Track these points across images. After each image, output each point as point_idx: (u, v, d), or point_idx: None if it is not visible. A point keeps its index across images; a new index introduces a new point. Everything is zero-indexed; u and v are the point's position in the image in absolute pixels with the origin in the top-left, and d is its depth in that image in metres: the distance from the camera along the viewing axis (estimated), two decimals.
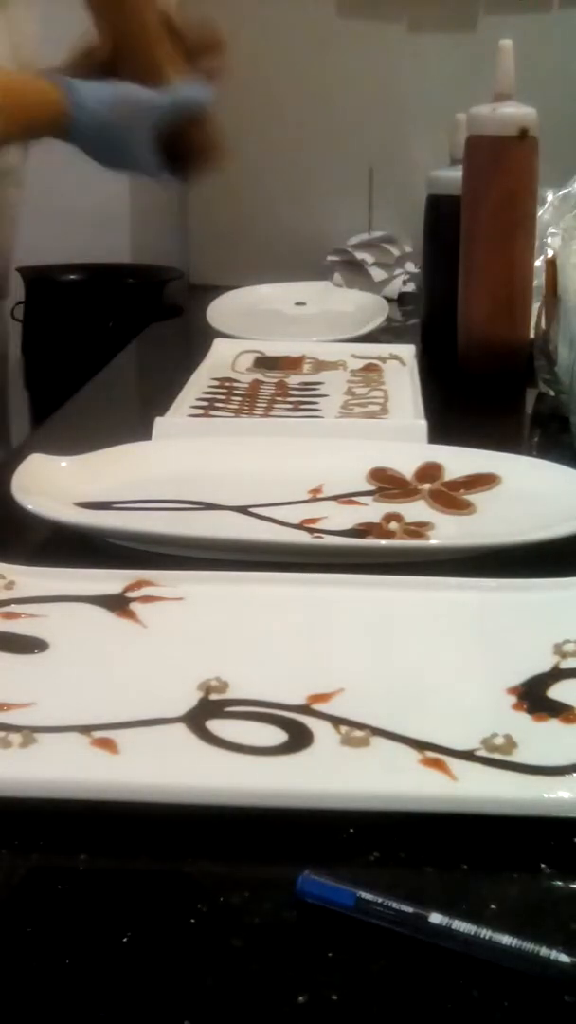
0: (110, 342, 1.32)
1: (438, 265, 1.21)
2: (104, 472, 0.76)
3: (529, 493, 0.73)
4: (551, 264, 0.97)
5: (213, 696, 0.49)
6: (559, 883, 0.39)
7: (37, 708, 0.48)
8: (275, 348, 1.17)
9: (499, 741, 0.45)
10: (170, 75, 1.07)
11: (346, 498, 0.75)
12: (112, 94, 1.04)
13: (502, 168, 1.05)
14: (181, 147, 1.08)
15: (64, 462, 0.76)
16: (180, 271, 1.71)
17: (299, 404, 0.99)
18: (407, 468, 0.78)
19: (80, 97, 1.02)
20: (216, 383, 1.05)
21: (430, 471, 0.78)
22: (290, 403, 0.99)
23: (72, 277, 1.72)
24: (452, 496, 0.74)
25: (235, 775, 0.43)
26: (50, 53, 1.10)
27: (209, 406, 0.97)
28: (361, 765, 0.44)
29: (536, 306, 1.05)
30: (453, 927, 0.36)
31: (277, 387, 1.03)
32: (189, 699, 0.49)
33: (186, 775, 0.43)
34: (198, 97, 1.08)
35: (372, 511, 0.73)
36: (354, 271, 1.56)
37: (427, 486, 0.76)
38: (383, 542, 0.68)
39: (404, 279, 1.56)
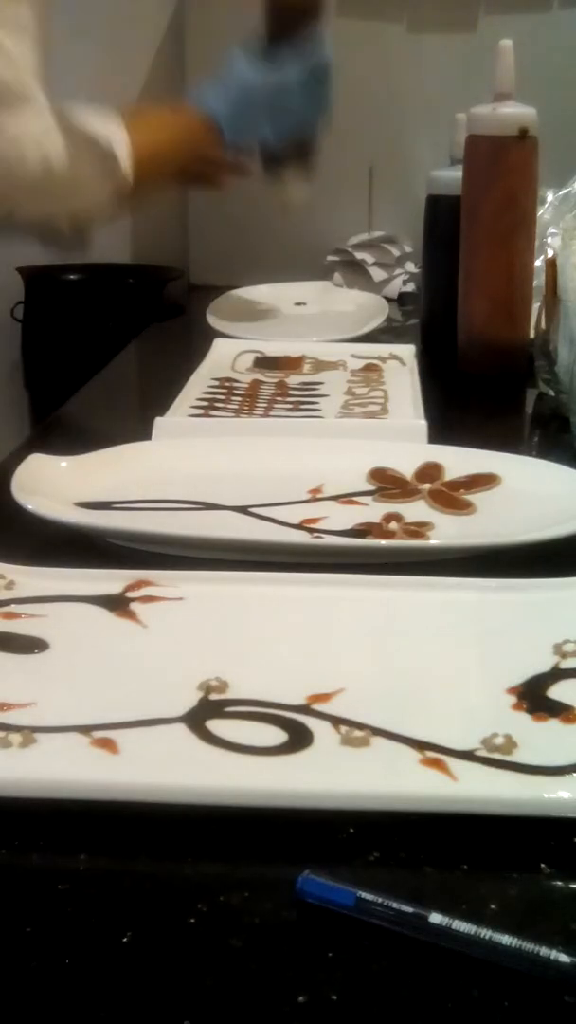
0: (110, 342, 1.32)
1: (438, 265, 1.21)
2: (104, 472, 0.76)
3: (529, 493, 0.73)
4: (551, 264, 0.97)
5: (213, 696, 0.49)
6: (559, 883, 0.39)
7: (37, 708, 0.48)
8: (275, 348, 1.17)
9: (499, 741, 0.45)
10: None
11: (346, 498, 0.75)
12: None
13: (502, 168, 1.05)
14: None
15: (64, 462, 0.76)
16: (180, 271, 1.71)
17: (299, 404, 0.99)
18: (407, 468, 0.78)
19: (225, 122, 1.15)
20: (216, 383, 1.05)
21: (430, 471, 0.78)
22: (290, 403, 0.99)
23: (72, 277, 1.72)
24: (452, 496, 0.74)
25: (235, 775, 0.43)
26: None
27: (209, 406, 0.97)
28: (361, 765, 0.44)
29: (536, 306, 1.05)
30: (453, 927, 0.36)
31: (277, 387, 1.03)
32: (189, 699, 0.49)
33: (186, 775, 0.43)
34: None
35: (372, 511, 0.73)
36: (354, 271, 1.56)
37: (427, 486, 0.76)
38: (383, 542, 0.68)
39: (404, 279, 1.56)
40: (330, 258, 1.58)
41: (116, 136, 1.04)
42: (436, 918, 0.36)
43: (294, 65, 1.19)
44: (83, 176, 1.02)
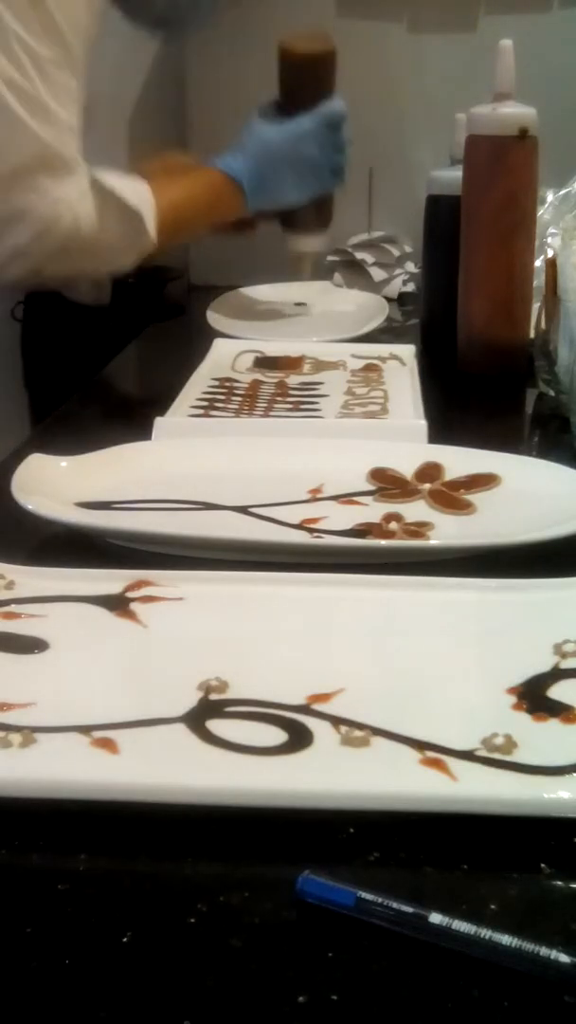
0: (110, 342, 1.32)
1: (438, 265, 1.21)
2: (104, 472, 0.76)
3: (529, 493, 0.73)
4: (551, 264, 0.97)
5: (213, 696, 0.49)
6: (559, 883, 0.39)
7: (37, 708, 0.48)
8: (275, 348, 1.17)
9: (499, 741, 0.45)
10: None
11: (346, 498, 0.75)
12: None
13: (502, 168, 1.05)
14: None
15: (64, 462, 0.76)
16: (180, 271, 1.71)
17: (299, 404, 0.99)
18: (407, 468, 0.78)
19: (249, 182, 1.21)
20: (216, 383, 1.05)
21: (430, 471, 0.78)
22: (290, 403, 0.99)
23: None
24: (452, 496, 0.74)
25: (235, 775, 0.43)
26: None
27: (209, 406, 0.97)
28: (361, 765, 0.44)
29: (536, 306, 1.05)
30: (453, 927, 0.36)
31: (277, 387, 1.03)
32: (189, 699, 0.49)
33: (186, 775, 0.43)
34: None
35: (372, 511, 0.73)
36: (354, 271, 1.56)
37: (427, 486, 0.76)
38: (383, 542, 0.68)
39: (404, 279, 1.56)
40: (330, 258, 1.58)
41: (144, 199, 1.08)
42: (436, 918, 0.36)
43: (310, 124, 1.25)
44: (110, 238, 1.07)
